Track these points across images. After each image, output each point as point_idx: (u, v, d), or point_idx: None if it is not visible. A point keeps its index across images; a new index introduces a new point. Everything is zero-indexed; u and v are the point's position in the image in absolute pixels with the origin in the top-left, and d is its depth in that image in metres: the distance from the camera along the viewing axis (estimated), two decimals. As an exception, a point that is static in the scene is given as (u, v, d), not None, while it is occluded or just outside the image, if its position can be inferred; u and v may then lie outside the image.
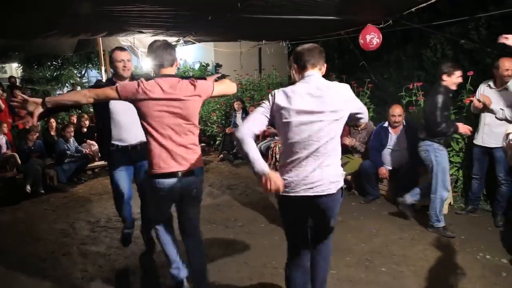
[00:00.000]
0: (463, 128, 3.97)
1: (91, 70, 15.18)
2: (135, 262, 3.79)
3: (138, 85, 2.56)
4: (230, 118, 8.82)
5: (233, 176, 6.73)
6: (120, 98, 2.57)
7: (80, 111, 9.42)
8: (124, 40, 8.00)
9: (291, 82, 3.78)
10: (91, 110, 9.68)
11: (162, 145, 2.61)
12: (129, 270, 3.67)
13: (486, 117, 4.27)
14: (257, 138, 7.77)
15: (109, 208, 5.36)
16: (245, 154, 2.26)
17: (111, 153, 3.50)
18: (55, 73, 12.41)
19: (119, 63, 3.32)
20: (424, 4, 4.70)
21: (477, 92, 4.41)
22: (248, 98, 9.16)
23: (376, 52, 6.46)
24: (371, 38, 5.67)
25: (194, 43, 8.49)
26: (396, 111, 4.93)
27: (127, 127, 3.39)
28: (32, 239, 4.43)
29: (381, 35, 5.68)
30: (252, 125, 2.31)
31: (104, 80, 3.61)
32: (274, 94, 2.34)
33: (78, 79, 13.33)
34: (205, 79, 3.00)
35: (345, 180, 5.50)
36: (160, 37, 7.32)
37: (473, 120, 4.65)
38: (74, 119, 8.00)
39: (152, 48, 2.67)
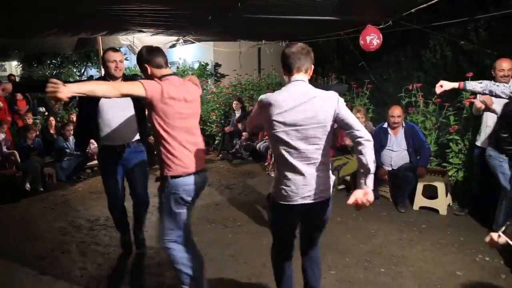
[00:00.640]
0: None
1: (90, 69, 15.17)
2: (134, 261, 3.79)
3: (159, 84, 2.52)
4: (229, 118, 8.83)
5: (232, 176, 6.73)
6: (145, 95, 2.44)
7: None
8: (124, 39, 7.99)
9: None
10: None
11: (182, 145, 2.61)
12: (128, 268, 3.67)
13: (487, 119, 4.27)
14: (256, 138, 7.79)
15: (107, 206, 5.36)
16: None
17: (101, 154, 3.52)
18: (55, 72, 12.40)
19: (111, 63, 3.31)
20: (424, 5, 4.71)
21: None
22: (248, 98, 9.16)
23: (375, 52, 6.48)
24: (371, 39, 5.68)
25: (193, 42, 8.50)
26: (396, 112, 4.94)
27: (115, 125, 3.38)
28: (31, 237, 4.43)
29: (381, 36, 5.69)
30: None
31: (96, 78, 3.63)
32: (261, 100, 2.32)
33: (78, 78, 13.32)
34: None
35: (344, 181, 5.55)
36: (160, 36, 7.34)
37: (473, 122, 4.67)
38: (74, 117, 7.98)
39: (145, 54, 2.63)
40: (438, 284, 3.27)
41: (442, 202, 4.72)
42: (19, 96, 9.23)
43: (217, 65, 11.99)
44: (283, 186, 2.35)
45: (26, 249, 4.12)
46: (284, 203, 2.36)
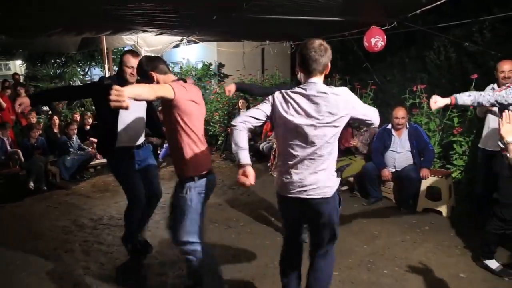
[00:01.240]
0: None
1: (94, 68, 15.19)
2: (137, 260, 3.79)
3: (184, 87, 2.59)
4: (232, 118, 8.82)
5: (234, 176, 6.62)
6: (173, 97, 2.49)
7: (83, 109, 9.48)
8: (128, 39, 8.01)
9: (298, 82, 3.80)
10: (94, 108, 9.73)
11: (202, 144, 2.72)
12: (131, 268, 3.67)
13: (490, 121, 4.26)
14: (259, 138, 7.79)
15: (111, 206, 5.38)
16: (235, 142, 2.36)
17: (117, 156, 3.47)
18: (59, 71, 12.43)
19: (128, 69, 3.30)
20: (429, 6, 4.69)
21: None
22: (251, 99, 9.16)
23: (379, 53, 6.47)
24: (376, 40, 5.66)
25: (197, 42, 8.50)
26: (400, 113, 4.93)
27: (134, 127, 3.42)
28: (34, 235, 4.44)
29: (385, 37, 5.68)
30: (248, 118, 2.38)
31: (107, 77, 3.57)
32: (274, 95, 2.37)
33: (81, 77, 13.35)
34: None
35: (348, 182, 5.54)
36: (164, 36, 7.35)
37: (477, 123, 4.66)
38: (77, 116, 8.02)
39: (149, 63, 2.68)
40: (441, 286, 3.26)
41: (446, 204, 4.70)
42: (22, 95, 9.25)
43: (220, 65, 11.99)
44: (283, 179, 2.41)
45: (29, 247, 4.13)
46: (283, 194, 2.44)
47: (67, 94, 3.95)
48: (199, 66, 12.01)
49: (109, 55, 8.93)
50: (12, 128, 7.42)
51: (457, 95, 3.32)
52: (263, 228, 4.50)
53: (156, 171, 3.79)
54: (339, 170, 5.25)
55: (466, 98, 3.30)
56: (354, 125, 5.72)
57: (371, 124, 2.43)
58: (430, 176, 4.79)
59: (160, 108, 3.50)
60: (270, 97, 2.40)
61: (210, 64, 11.86)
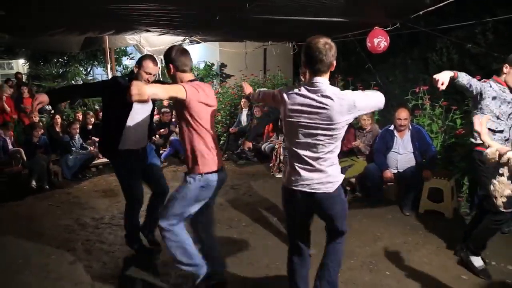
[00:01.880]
0: None
1: (97, 68, 15.20)
2: (139, 260, 3.79)
3: (196, 88, 2.63)
4: (234, 118, 8.84)
5: (237, 176, 6.73)
6: (185, 98, 2.56)
7: (85, 108, 9.50)
8: (130, 38, 8.03)
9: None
10: (96, 107, 9.76)
11: (211, 143, 2.79)
12: (133, 267, 3.66)
13: (493, 122, 4.25)
14: (261, 139, 7.79)
15: (113, 205, 5.39)
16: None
17: (122, 158, 3.48)
18: (61, 70, 12.45)
19: (146, 74, 3.29)
20: (432, 8, 4.69)
21: None
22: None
23: (382, 54, 6.46)
24: (379, 41, 5.66)
25: (199, 42, 8.51)
26: (402, 114, 4.92)
27: (140, 129, 3.44)
28: (36, 234, 4.44)
29: (388, 38, 5.67)
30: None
31: (121, 78, 3.56)
32: (283, 92, 2.45)
33: (84, 76, 13.37)
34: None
35: (350, 183, 5.53)
36: (167, 36, 7.35)
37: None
38: (80, 116, 8.02)
39: (177, 54, 2.72)
40: (443, 288, 3.26)
41: (448, 206, 4.70)
42: (25, 94, 9.28)
43: (222, 66, 12.00)
44: (289, 172, 2.49)
45: (31, 246, 4.14)
46: (287, 186, 2.51)
47: (83, 91, 3.96)
48: (201, 66, 12.01)
49: (111, 55, 8.95)
50: (15, 127, 7.43)
51: (459, 72, 3.29)
52: (265, 228, 4.49)
53: (160, 169, 3.82)
54: (341, 171, 5.24)
55: (464, 76, 3.29)
56: (357, 126, 5.73)
57: (379, 107, 2.54)
58: (432, 177, 4.78)
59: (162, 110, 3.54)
60: (280, 91, 2.48)
61: (212, 64, 11.87)
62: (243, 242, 4.13)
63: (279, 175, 6.61)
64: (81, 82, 12.56)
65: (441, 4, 4.55)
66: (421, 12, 5.00)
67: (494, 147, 2.41)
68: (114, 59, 11.10)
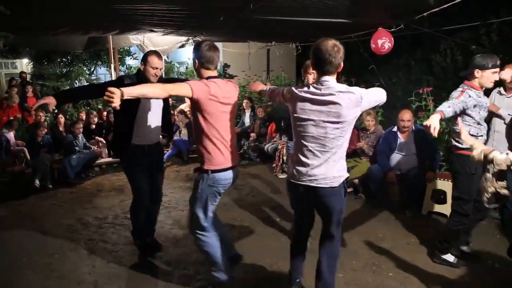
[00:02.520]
0: None
1: (100, 68, 15.22)
2: (142, 259, 3.79)
3: (207, 85, 2.65)
4: (237, 118, 8.84)
5: (240, 176, 6.57)
6: (191, 96, 2.59)
7: (89, 108, 9.52)
8: (134, 38, 8.05)
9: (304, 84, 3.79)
10: (100, 107, 9.77)
11: (223, 143, 2.80)
12: (136, 267, 3.66)
13: (496, 124, 4.25)
14: (264, 139, 7.79)
15: (116, 204, 5.40)
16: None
17: (130, 153, 3.50)
18: (65, 70, 12.47)
19: (153, 69, 3.33)
20: (437, 9, 4.68)
21: (489, 98, 4.39)
22: (257, 99, 9.17)
23: (385, 55, 6.45)
24: (383, 42, 5.66)
25: (205, 40, 8.52)
26: (406, 116, 4.91)
27: (149, 126, 3.45)
28: (39, 233, 4.46)
29: (392, 39, 5.66)
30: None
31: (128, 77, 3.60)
32: (293, 89, 2.55)
33: (87, 76, 13.39)
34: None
35: (353, 184, 5.52)
36: (170, 36, 7.37)
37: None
38: (83, 115, 8.04)
39: (203, 49, 2.77)
40: (446, 289, 3.25)
41: (451, 207, 4.67)
42: (29, 93, 9.31)
43: (226, 66, 12.01)
44: (295, 166, 2.57)
45: (34, 245, 4.16)
46: (292, 180, 2.61)
47: (90, 92, 4.01)
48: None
49: (115, 55, 8.98)
50: (19, 126, 7.45)
51: (443, 110, 3.23)
52: (267, 229, 4.49)
53: (162, 172, 3.80)
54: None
55: (448, 110, 3.26)
56: (360, 127, 5.72)
57: (381, 103, 2.70)
58: (436, 179, 4.77)
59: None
60: (288, 90, 2.59)
61: (216, 65, 11.86)
62: (246, 242, 4.14)
63: (282, 176, 6.61)
64: (85, 82, 12.60)
65: (446, 6, 4.54)
66: (425, 13, 4.99)
67: (478, 148, 2.56)
68: (118, 59, 11.12)
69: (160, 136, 3.81)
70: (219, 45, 10.04)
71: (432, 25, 6.89)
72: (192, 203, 2.94)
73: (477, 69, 3.34)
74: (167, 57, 12.48)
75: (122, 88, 2.31)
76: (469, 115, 3.35)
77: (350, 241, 4.08)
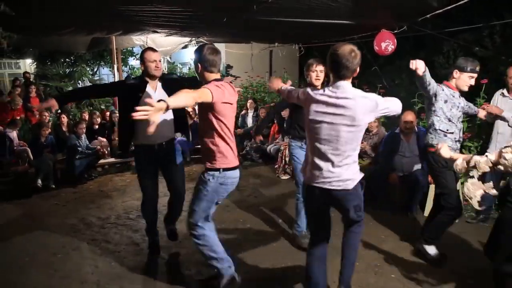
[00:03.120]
0: None
1: (103, 68, 15.29)
2: (144, 260, 3.81)
3: (221, 89, 2.70)
4: (241, 120, 8.85)
5: (242, 177, 6.66)
6: (212, 101, 2.63)
7: (92, 108, 9.54)
8: (137, 39, 8.07)
9: (307, 84, 3.81)
10: (103, 107, 9.81)
11: (231, 141, 2.88)
12: (139, 267, 3.67)
13: (499, 126, 4.24)
14: (267, 140, 7.80)
15: (118, 205, 5.41)
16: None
17: (138, 153, 3.55)
18: (68, 70, 12.52)
19: (152, 63, 3.40)
20: (440, 11, 4.68)
21: (492, 100, 4.39)
22: (259, 100, 9.18)
23: (388, 57, 6.46)
24: (386, 45, 5.66)
25: (206, 43, 8.54)
26: (408, 117, 4.91)
27: (159, 125, 3.43)
28: (42, 233, 4.48)
29: (395, 41, 5.66)
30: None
31: (131, 78, 3.68)
32: (309, 92, 2.58)
33: (90, 76, 13.44)
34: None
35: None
36: (174, 37, 7.38)
37: (486, 129, 4.63)
38: (86, 115, 8.06)
39: (206, 53, 2.80)
40: (449, 291, 3.25)
41: (454, 209, 4.67)
42: (32, 93, 9.34)
43: (228, 67, 12.00)
44: (310, 169, 2.62)
45: (38, 245, 4.17)
46: (308, 184, 2.64)
47: (92, 92, 4.07)
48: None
49: (118, 55, 9.00)
50: (22, 126, 7.48)
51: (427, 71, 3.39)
52: (269, 230, 4.50)
53: (179, 170, 3.77)
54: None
55: (428, 73, 3.41)
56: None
57: (393, 114, 2.69)
58: (439, 181, 4.76)
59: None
60: (303, 92, 2.64)
61: (218, 65, 11.87)
62: (248, 243, 4.14)
63: (284, 177, 6.62)
64: (88, 82, 12.64)
65: (449, 7, 4.54)
66: (428, 15, 4.99)
67: (460, 157, 2.67)
68: (121, 59, 11.15)
69: (177, 134, 3.83)
70: (221, 46, 10.10)
71: (435, 27, 6.87)
72: (195, 201, 2.95)
73: (456, 70, 3.51)
74: (170, 57, 12.52)
75: (169, 99, 2.34)
76: (440, 109, 3.51)
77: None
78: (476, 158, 2.55)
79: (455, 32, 6.94)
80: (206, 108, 2.73)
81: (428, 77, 3.39)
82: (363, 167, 5.42)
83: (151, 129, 2.24)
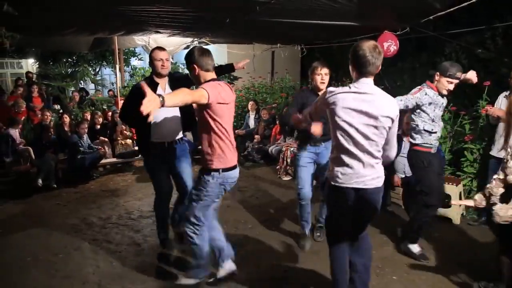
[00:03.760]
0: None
1: (105, 68, 15.30)
2: (146, 259, 3.81)
3: (217, 89, 2.72)
4: (242, 120, 8.85)
5: (243, 178, 6.72)
6: (208, 101, 2.65)
7: (93, 108, 9.56)
8: (139, 39, 8.07)
9: (312, 88, 3.82)
10: (104, 107, 9.81)
11: (229, 141, 2.89)
12: (140, 267, 3.67)
13: (502, 129, 4.23)
14: (268, 141, 7.79)
15: (120, 205, 5.42)
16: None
17: (149, 151, 3.59)
18: (70, 70, 12.54)
19: (158, 62, 3.46)
20: (443, 12, 4.67)
21: (496, 103, 4.39)
22: (261, 101, 9.18)
23: (390, 58, 6.44)
24: (388, 45, 5.65)
25: (208, 44, 8.54)
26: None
27: (166, 123, 3.49)
28: (44, 233, 4.48)
29: (398, 42, 5.66)
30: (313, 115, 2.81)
31: (138, 84, 3.72)
32: (328, 96, 2.52)
33: (92, 76, 13.46)
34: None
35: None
36: (176, 38, 7.39)
37: (489, 131, 4.62)
38: (88, 115, 8.07)
39: (199, 55, 2.83)
40: (450, 293, 3.24)
41: (456, 211, 4.66)
42: (35, 93, 9.37)
43: (230, 67, 12.02)
44: (340, 170, 2.57)
45: (39, 245, 4.18)
46: (339, 185, 2.58)
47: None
48: (209, 67, 12.01)
49: (120, 55, 9.01)
50: (23, 126, 7.50)
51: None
52: (271, 231, 4.49)
53: (187, 168, 3.76)
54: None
55: (400, 103, 3.50)
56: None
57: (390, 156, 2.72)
58: (440, 182, 4.75)
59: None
60: (321, 99, 2.61)
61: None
62: (250, 244, 4.14)
63: (286, 178, 6.61)
64: (90, 82, 12.66)
65: (451, 9, 4.53)
66: (431, 17, 4.98)
67: (476, 197, 2.85)
68: (123, 59, 11.17)
69: (186, 134, 3.85)
70: (223, 46, 10.11)
71: (437, 29, 6.87)
72: (194, 200, 2.96)
73: (437, 73, 3.62)
74: (172, 58, 12.52)
75: (167, 96, 2.35)
76: (424, 111, 3.61)
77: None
78: (487, 186, 2.73)
79: (457, 34, 6.93)
80: (203, 109, 2.74)
81: (402, 105, 3.51)
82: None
83: (151, 118, 2.22)
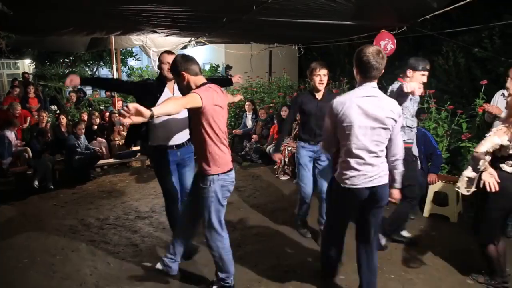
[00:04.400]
0: None
1: (102, 68, 15.26)
2: (143, 261, 3.79)
3: (209, 91, 2.75)
4: (239, 120, 8.84)
5: (241, 178, 6.72)
6: (201, 105, 2.66)
7: (91, 109, 9.53)
8: (136, 39, 8.06)
9: (310, 88, 3.83)
10: (102, 108, 9.79)
11: (224, 145, 2.92)
12: (137, 268, 3.67)
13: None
14: (266, 141, 7.79)
15: (117, 205, 5.40)
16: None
17: (156, 154, 3.57)
18: (67, 70, 12.50)
19: (165, 65, 3.46)
20: (440, 11, 4.68)
21: (492, 100, 4.40)
22: (259, 101, 9.18)
23: (387, 57, 6.44)
24: (385, 44, 5.65)
25: (205, 44, 8.53)
26: (408, 118, 4.90)
27: (172, 126, 3.48)
28: (41, 234, 4.46)
29: (395, 41, 5.66)
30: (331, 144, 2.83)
31: (151, 80, 3.80)
32: (333, 105, 2.61)
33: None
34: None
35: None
36: (173, 37, 7.37)
37: (486, 129, 4.62)
38: (85, 116, 8.05)
39: (185, 61, 2.86)
40: (449, 292, 3.25)
41: (453, 210, 4.68)
42: (31, 93, 9.34)
43: (228, 67, 12.02)
44: (348, 172, 2.66)
45: (37, 246, 4.16)
46: (347, 186, 2.68)
47: (114, 85, 4.39)
48: (207, 67, 12.03)
49: (117, 55, 8.98)
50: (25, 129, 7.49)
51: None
52: (269, 230, 4.49)
53: (189, 174, 3.73)
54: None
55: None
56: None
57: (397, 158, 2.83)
58: (438, 181, 4.76)
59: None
60: (329, 111, 2.65)
61: (218, 66, 11.88)
62: (248, 244, 4.14)
63: (283, 178, 6.61)
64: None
65: (448, 8, 4.54)
66: (428, 16, 4.99)
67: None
68: (120, 59, 11.13)
69: None
70: (221, 46, 10.10)
71: (434, 28, 6.87)
72: (207, 210, 2.95)
73: (409, 69, 3.68)
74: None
75: (154, 108, 2.41)
76: (407, 107, 3.66)
77: (351, 243, 4.03)
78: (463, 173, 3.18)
79: (454, 33, 6.94)
80: (196, 114, 2.74)
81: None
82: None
83: (126, 122, 2.26)
